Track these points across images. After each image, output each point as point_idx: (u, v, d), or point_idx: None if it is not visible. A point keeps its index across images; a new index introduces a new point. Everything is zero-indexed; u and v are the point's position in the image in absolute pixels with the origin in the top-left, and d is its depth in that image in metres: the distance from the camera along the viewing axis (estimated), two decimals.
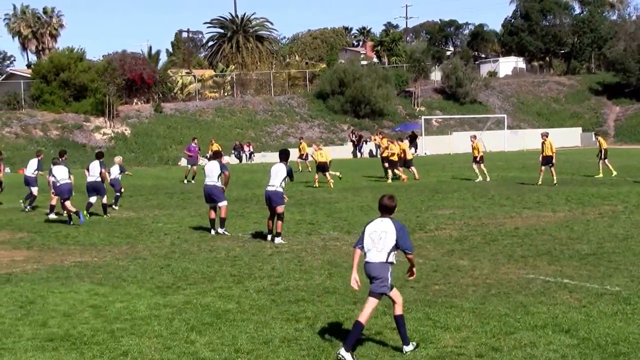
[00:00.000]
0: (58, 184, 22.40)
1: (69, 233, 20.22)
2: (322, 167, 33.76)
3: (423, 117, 73.95)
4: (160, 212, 24.88)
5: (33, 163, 26.80)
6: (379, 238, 9.36)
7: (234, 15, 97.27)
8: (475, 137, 34.54)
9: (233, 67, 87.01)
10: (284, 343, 9.64)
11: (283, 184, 18.17)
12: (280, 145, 66.80)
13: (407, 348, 9.30)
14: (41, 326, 10.72)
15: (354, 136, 69.18)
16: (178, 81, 79.62)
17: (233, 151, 64.52)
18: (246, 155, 64.20)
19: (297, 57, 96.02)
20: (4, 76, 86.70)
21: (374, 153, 65.64)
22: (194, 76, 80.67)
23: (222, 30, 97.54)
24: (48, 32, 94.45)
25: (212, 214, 19.72)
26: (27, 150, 59.91)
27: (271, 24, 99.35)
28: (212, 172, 19.53)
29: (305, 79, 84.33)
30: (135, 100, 74.31)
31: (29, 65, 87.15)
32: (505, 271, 13.64)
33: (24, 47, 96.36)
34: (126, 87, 72.10)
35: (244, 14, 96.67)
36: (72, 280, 13.81)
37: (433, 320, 10.48)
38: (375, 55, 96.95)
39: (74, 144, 63.27)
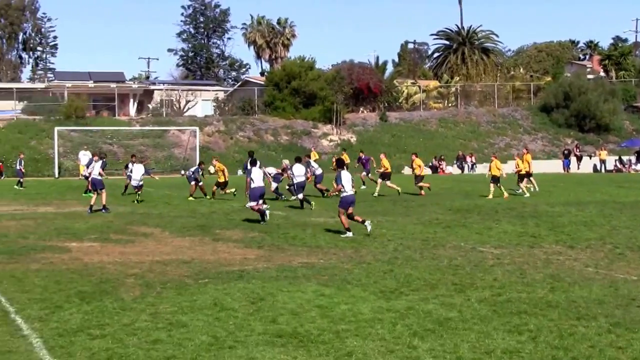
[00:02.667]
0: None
1: (297, 235, 20.97)
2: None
3: None
4: (383, 218, 25.26)
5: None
6: None
7: (460, 27, 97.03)
8: None
9: (458, 78, 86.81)
10: (505, 354, 9.64)
11: None
12: (504, 156, 66.13)
13: None
14: (271, 322, 11.21)
15: (578, 150, 67.42)
16: (403, 91, 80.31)
17: (456, 161, 64.41)
18: (468, 165, 63.90)
19: (521, 69, 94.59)
20: (239, 83, 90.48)
21: (598, 168, 64.04)
22: (419, 86, 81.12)
23: (447, 42, 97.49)
24: (281, 41, 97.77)
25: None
26: (258, 153, 62.28)
27: (497, 36, 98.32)
28: (260, 176, 25.03)
29: (530, 92, 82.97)
30: (361, 109, 75.60)
31: (262, 73, 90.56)
32: None
33: (259, 56, 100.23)
34: (353, 95, 73.44)
35: (470, 26, 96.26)
36: (300, 280, 14.34)
37: None
38: (602, 69, 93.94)
39: (302, 150, 65.05)
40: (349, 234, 20.70)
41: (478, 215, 25.88)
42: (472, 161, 64.39)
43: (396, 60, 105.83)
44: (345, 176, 21.18)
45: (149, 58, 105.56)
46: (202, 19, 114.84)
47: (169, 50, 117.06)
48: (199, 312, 11.78)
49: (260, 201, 24.57)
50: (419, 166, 35.82)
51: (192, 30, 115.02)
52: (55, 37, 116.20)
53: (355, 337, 10.39)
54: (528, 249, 18.40)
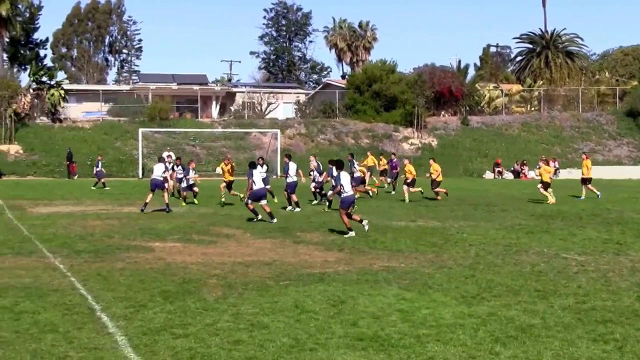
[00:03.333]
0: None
1: (378, 238, 20.93)
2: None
3: None
4: (465, 223, 25.10)
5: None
6: None
7: (543, 30, 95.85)
8: None
9: (541, 82, 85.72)
10: None
11: None
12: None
13: None
14: (351, 325, 11.19)
15: None
16: (485, 95, 79.67)
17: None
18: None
19: (607, 73, 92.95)
20: (320, 86, 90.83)
21: None
22: (501, 90, 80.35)
23: (530, 46, 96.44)
24: (362, 45, 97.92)
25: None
26: (339, 156, 62.33)
27: (581, 39, 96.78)
28: (260, 178, 25.61)
29: (615, 96, 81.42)
30: (442, 113, 75.25)
31: (343, 76, 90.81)
32: None
33: (340, 59, 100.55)
34: (435, 99, 73.14)
35: (554, 30, 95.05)
36: (381, 284, 14.29)
37: None
38: None
39: (382, 153, 64.99)
40: (352, 233, 21.34)
41: (561, 221, 25.50)
42: (555, 166, 63.44)
43: (478, 63, 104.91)
44: (345, 177, 22.11)
45: (231, 61, 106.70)
46: (284, 22, 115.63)
47: (251, 53, 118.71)
48: (280, 314, 11.84)
49: (264, 201, 25.48)
50: (436, 171, 35.58)
51: (274, 33, 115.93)
52: (140, 40, 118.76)
53: (437, 342, 10.31)
54: (613, 256, 18.05)
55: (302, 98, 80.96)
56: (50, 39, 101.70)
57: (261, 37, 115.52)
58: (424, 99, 71.08)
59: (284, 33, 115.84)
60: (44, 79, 68.82)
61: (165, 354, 9.72)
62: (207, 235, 21.72)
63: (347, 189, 21.84)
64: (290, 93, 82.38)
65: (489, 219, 26.57)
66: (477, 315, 11.81)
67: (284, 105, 76.78)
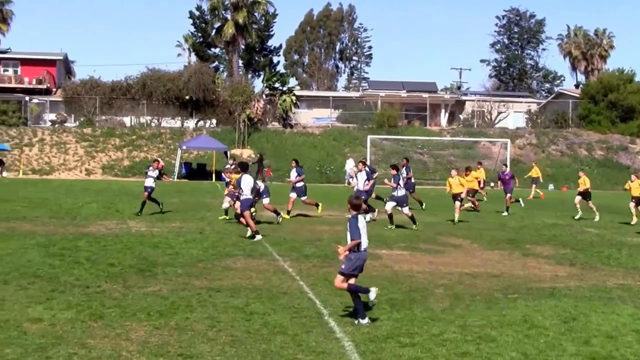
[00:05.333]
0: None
1: (612, 254, 20.12)
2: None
3: None
4: None
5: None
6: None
7: None
8: None
9: None
10: None
11: None
12: None
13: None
14: (584, 344, 10.74)
15: None
16: None
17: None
18: None
19: None
20: (553, 95, 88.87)
21: None
22: None
23: None
24: (598, 53, 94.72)
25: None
26: (570, 168, 60.69)
27: None
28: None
29: None
30: None
31: (577, 85, 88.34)
32: None
33: (574, 68, 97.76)
34: None
35: None
36: (615, 302, 13.67)
37: None
38: None
39: (617, 165, 62.96)
40: (259, 237, 21.63)
41: None
42: None
43: None
44: (246, 180, 22.29)
45: (461, 69, 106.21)
46: (516, 30, 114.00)
47: (482, 60, 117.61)
48: (508, 328, 11.55)
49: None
50: (476, 178, 33.08)
51: (506, 41, 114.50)
52: (370, 47, 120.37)
53: None
54: None
55: (534, 107, 79.47)
56: (283, 46, 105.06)
57: (492, 45, 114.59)
58: None
59: (516, 41, 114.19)
60: (277, 85, 71.24)
61: None
62: (434, 245, 21.61)
63: (247, 192, 22.19)
64: (522, 102, 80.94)
65: None
66: None
67: (514, 114, 75.65)
